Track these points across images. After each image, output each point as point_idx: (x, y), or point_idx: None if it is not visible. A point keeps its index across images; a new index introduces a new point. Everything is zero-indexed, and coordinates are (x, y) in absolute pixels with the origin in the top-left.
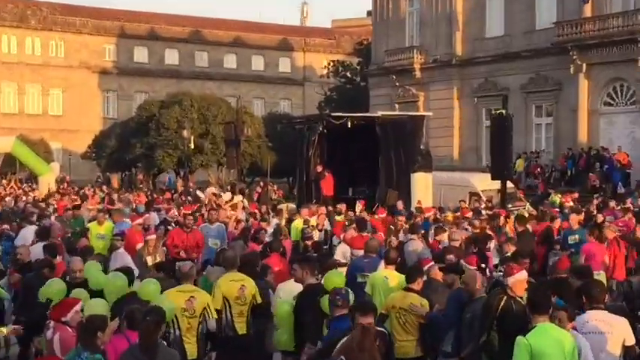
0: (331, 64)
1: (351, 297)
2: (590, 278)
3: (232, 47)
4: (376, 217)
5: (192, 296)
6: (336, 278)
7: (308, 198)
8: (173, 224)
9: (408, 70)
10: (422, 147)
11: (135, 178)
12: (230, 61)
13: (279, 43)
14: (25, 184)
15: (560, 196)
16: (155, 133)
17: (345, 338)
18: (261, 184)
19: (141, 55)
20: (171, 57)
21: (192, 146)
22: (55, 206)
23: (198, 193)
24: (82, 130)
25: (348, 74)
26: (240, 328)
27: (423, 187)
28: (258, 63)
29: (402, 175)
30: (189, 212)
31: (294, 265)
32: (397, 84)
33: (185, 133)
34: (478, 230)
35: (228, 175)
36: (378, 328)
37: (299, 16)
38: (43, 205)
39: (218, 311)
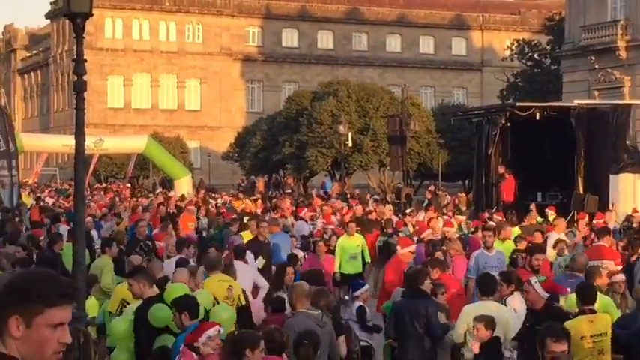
0: (515, 44)
1: None
2: None
3: (396, 27)
4: None
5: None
6: (179, 291)
7: (487, 205)
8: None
9: (611, 50)
10: (628, 142)
11: (283, 181)
12: (393, 44)
13: (451, 21)
14: (159, 189)
15: None
16: (306, 130)
17: None
18: (432, 188)
19: (290, 38)
20: (325, 40)
21: (350, 144)
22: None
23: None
24: (222, 126)
25: (535, 56)
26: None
27: (629, 191)
28: (426, 45)
29: (603, 177)
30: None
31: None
32: (596, 66)
33: (341, 128)
34: None
35: (392, 178)
36: None
37: None
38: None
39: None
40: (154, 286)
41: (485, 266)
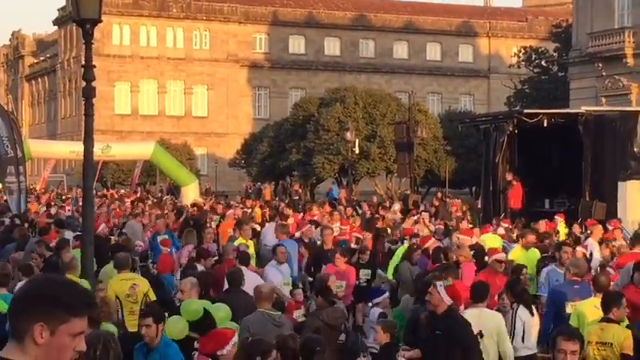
0: (522, 51)
1: None
2: None
3: (403, 34)
4: None
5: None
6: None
7: (495, 212)
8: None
9: (618, 57)
10: (636, 149)
11: (290, 188)
12: (400, 51)
13: (458, 28)
14: (167, 196)
15: None
16: (313, 136)
17: None
18: (439, 195)
19: (296, 45)
20: (332, 47)
21: (357, 151)
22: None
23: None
24: (229, 133)
25: (543, 63)
26: (132, 325)
27: (637, 198)
28: (433, 52)
29: (610, 184)
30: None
31: None
32: (604, 73)
33: (348, 135)
34: None
35: (399, 184)
36: None
37: None
38: None
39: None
40: None
41: (557, 284)
